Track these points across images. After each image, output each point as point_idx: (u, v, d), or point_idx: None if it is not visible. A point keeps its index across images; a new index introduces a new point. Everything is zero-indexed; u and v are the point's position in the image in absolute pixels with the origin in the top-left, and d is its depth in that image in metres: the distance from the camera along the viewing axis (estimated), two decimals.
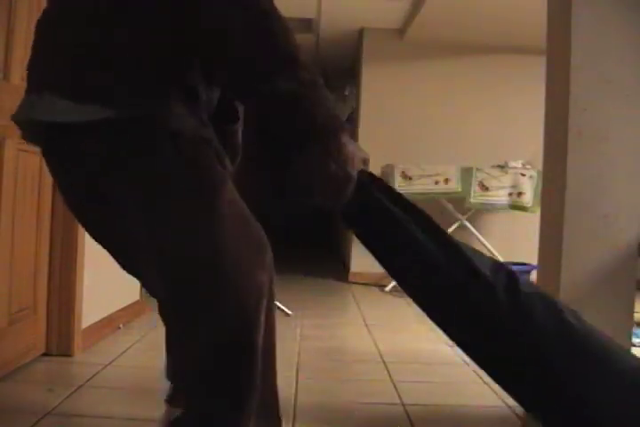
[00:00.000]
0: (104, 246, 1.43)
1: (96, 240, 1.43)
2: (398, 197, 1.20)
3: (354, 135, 5.46)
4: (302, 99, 1.08)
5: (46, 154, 1.29)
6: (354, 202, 1.15)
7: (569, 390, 1.15)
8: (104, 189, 1.23)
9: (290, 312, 3.53)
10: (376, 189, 1.18)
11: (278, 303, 3.54)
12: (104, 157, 1.17)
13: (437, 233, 1.21)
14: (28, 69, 1.24)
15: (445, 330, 1.21)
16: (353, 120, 5.80)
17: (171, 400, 1.48)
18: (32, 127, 1.21)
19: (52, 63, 1.17)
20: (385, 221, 1.18)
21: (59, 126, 1.14)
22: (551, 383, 1.16)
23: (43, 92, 1.16)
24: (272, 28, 1.10)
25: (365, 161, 1.19)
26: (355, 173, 1.13)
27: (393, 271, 1.23)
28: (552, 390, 1.16)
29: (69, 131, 1.14)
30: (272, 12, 1.12)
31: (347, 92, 1.46)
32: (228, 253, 1.17)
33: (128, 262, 1.44)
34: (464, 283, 1.15)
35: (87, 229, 1.42)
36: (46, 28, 1.23)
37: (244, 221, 1.23)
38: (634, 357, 1.24)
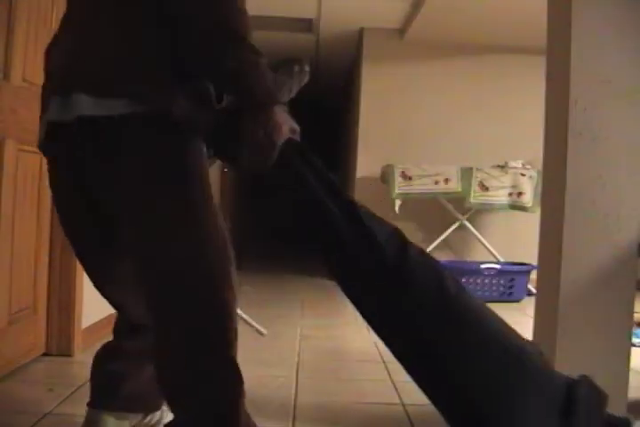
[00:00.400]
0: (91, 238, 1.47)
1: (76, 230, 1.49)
2: (322, 172, 1.29)
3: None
4: (243, 76, 1.24)
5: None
6: (277, 169, 1.27)
7: (441, 361, 1.21)
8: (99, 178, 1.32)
9: (264, 331, 3.04)
10: (302, 161, 1.28)
11: (252, 322, 3.06)
12: (106, 150, 1.27)
13: (350, 207, 1.30)
14: (54, 72, 1.35)
15: (349, 298, 1.30)
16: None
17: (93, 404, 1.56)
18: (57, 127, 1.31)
19: (78, 65, 1.29)
20: (303, 192, 1.27)
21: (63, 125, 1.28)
22: (424, 351, 1.22)
23: (70, 92, 1.26)
24: (228, 15, 1.23)
25: (294, 131, 1.32)
26: (279, 142, 1.26)
27: (301, 240, 1.33)
28: (425, 359, 1.23)
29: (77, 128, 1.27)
30: None
31: (296, 69, 1.60)
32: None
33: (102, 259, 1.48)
34: (362, 254, 1.25)
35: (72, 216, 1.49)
36: (70, 34, 1.34)
37: (220, 230, 1.33)
38: (522, 339, 1.28)
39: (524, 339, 1.28)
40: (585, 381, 1.25)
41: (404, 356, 1.26)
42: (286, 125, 1.29)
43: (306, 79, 1.59)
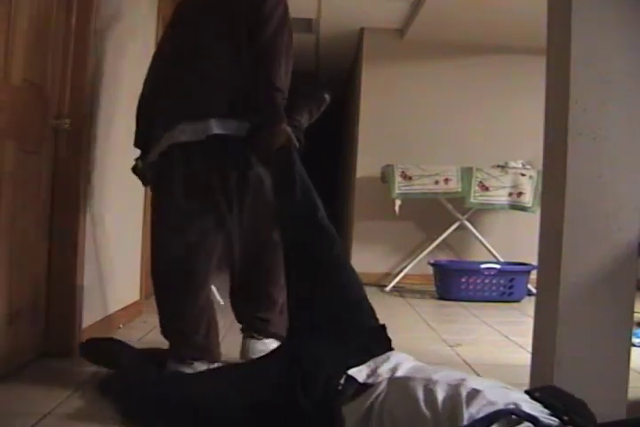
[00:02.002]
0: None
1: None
2: (295, 166, 2.02)
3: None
4: (266, 107, 2.11)
5: (216, 156, 2.13)
6: (273, 163, 2.11)
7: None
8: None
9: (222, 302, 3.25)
10: (287, 158, 2.04)
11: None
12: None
13: (307, 192, 1.98)
14: (189, 104, 2.14)
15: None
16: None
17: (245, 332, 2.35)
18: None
19: (209, 93, 2.14)
20: (280, 178, 2.08)
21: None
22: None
23: (209, 118, 2.11)
24: (275, 76, 2.11)
25: (288, 140, 2.08)
26: (277, 145, 2.06)
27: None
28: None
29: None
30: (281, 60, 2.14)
31: (317, 97, 2.22)
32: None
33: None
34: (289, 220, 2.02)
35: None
36: (200, 79, 2.16)
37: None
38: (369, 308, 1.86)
39: (370, 308, 1.86)
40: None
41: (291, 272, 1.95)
42: (284, 135, 2.08)
43: (325, 106, 2.38)
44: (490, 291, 4.44)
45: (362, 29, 5.42)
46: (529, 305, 3.99)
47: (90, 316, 2.57)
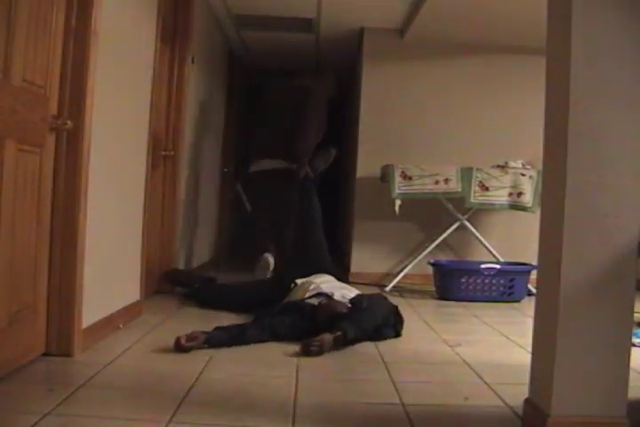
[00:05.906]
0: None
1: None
2: (310, 190, 4.32)
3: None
4: (296, 159, 4.26)
5: (277, 178, 4.30)
6: (299, 185, 4.30)
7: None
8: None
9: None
10: (306, 183, 4.28)
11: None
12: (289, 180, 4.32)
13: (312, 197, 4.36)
14: (266, 146, 4.36)
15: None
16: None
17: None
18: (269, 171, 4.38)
19: (276, 145, 4.31)
20: (300, 192, 4.31)
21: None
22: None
23: (276, 157, 4.29)
24: (304, 146, 4.27)
25: (307, 174, 4.25)
26: (302, 175, 4.24)
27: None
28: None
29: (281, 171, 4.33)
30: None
31: (327, 152, 4.45)
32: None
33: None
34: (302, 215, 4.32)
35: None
36: (272, 130, 4.38)
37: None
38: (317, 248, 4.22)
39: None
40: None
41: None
42: (305, 171, 4.20)
43: (332, 156, 4.56)
44: (490, 291, 4.44)
45: (362, 29, 5.42)
46: (529, 305, 3.99)
47: (90, 316, 2.57)
